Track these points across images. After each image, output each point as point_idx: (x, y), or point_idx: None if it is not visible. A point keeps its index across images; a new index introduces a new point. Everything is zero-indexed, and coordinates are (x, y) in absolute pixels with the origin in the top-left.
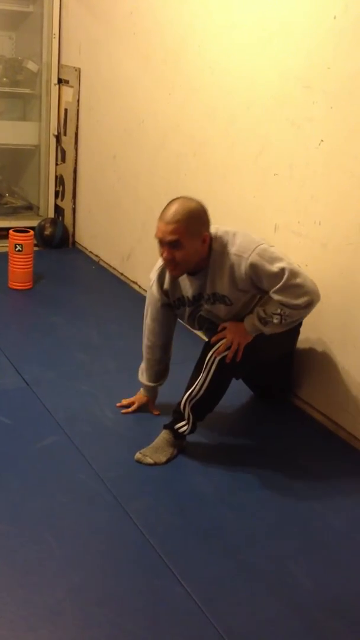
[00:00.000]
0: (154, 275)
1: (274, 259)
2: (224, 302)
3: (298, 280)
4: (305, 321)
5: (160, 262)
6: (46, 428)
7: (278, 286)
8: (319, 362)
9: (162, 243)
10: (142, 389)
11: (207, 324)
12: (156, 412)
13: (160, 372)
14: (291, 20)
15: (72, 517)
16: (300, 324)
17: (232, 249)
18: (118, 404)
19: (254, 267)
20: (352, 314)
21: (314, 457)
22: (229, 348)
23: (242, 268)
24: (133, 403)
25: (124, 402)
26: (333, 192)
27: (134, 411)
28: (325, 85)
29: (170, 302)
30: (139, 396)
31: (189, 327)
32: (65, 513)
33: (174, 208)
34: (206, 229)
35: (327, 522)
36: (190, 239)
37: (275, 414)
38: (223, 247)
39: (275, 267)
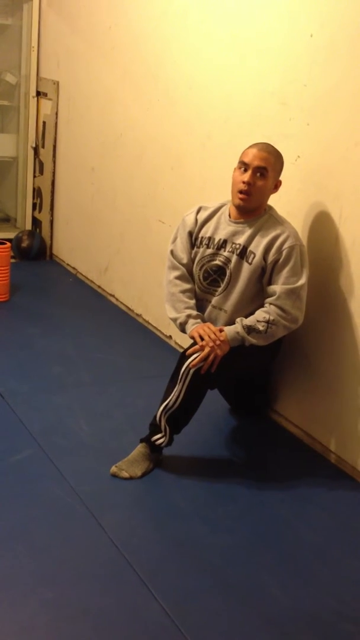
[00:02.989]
0: (192, 209)
1: (305, 264)
2: (247, 261)
3: (303, 296)
4: None
5: (197, 206)
6: (21, 441)
7: (288, 286)
8: (295, 376)
9: (249, 167)
10: (195, 325)
11: (210, 280)
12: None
13: (196, 305)
14: (268, 37)
15: (46, 531)
16: (281, 341)
17: (285, 225)
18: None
19: (291, 251)
20: (327, 328)
21: (289, 470)
22: (204, 360)
23: (285, 243)
24: (203, 347)
25: (198, 359)
26: (309, 208)
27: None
28: (302, 102)
29: (195, 236)
30: (199, 330)
31: (194, 275)
32: (39, 527)
33: (267, 143)
34: (279, 176)
35: (302, 536)
36: (273, 174)
37: (251, 426)
38: (277, 218)
39: (302, 270)
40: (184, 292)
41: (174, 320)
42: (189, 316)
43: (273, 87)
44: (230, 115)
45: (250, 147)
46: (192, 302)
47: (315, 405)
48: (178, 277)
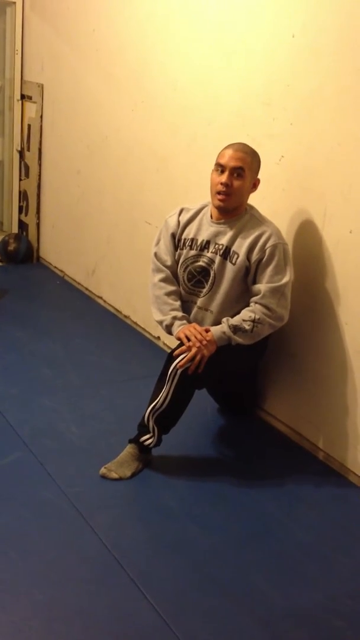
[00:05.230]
0: (174, 211)
1: (288, 262)
2: (231, 261)
3: (288, 294)
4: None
5: (179, 207)
6: (10, 444)
7: (273, 285)
8: (283, 374)
9: (225, 168)
10: (181, 327)
11: (194, 282)
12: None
13: (182, 307)
14: (251, 38)
15: (36, 533)
16: (267, 341)
17: (268, 224)
18: (181, 364)
19: (274, 250)
20: (313, 325)
21: (278, 469)
22: (191, 360)
23: (268, 242)
24: (190, 347)
25: (185, 360)
26: (293, 208)
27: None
28: (285, 102)
29: (178, 238)
30: (185, 331)
31: (179, 277)
32: (29, 530)
33: (241, 143)
34: (257, 175)
35: (292, 534)
36: (250, 173)
37: (240, 426)
38: (261, 217)
39: (285, 268)
40: (169, 294)
41: (160, 322)
42: (174, 318)
43: (257, 87)
44: (214, 116)
45: (226, 148)
46: (178, 303)
47: (303, 404)
48: (163, 280)
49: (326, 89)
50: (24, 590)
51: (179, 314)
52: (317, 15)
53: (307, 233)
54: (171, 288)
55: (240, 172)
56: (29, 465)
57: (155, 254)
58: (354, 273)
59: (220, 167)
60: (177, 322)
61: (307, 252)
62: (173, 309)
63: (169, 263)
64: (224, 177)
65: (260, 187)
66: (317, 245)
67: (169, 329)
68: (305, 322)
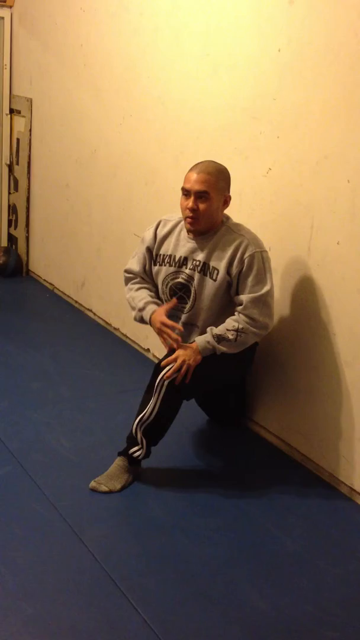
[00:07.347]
0: (153, 224)
1: (268, 270)
2: (211, 277)
3: (270, 302)
4: (258, 344)
5: (157, 220)
6: None
7: (254, 295)
8: (272, 385)
9: (190, 193)
10: (153, 311)
11: (177, 298)
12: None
13: (155, 296)
14: (237, 52)
15: (26, 547)
16: (254, 351)
17: (245, 234)
18: (164, 362)
19: (252, 259)
20: (302, 337)
21: (269, 480)
22: (178, 371)
23: (246, 253)
24: (171, 347)
25: (172, 371)
26: (281, 220)
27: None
28: (271, 115)
29: (155, 253)
30: (156, 318)
31: (160, 292)
32: (19, 544)
33: (205, 163)
34: (228, 191)
35: (282, 545)
36: (217, 193)
37: (230, 437)
38: (236, 228)
39: (265, 276)
40: (138, 289)
41: (135, 317)
42: (146, 302)
43: (244, 101)
44: (202, 130)
45: (190, 170)
46: (147, 293)
47: (292, 414)
48: (133, 283)
49: (312, 102)
50: (14, 604)
51: (150, 299)
52: (302, 29)
53: (295, 245)
54: (140, 285)
55: (204, 196)
56: (19, 479)
57: (126, 269)
58: (341, 284)
59: (185, 192)
60: (148, 307)
61: (295, 263)
62: (142, 299)
63: (136, 270)
64: (190, 202)
65: (248, 199)
66: (305, 257)
67: (141, 315)
68: (294, 333)
